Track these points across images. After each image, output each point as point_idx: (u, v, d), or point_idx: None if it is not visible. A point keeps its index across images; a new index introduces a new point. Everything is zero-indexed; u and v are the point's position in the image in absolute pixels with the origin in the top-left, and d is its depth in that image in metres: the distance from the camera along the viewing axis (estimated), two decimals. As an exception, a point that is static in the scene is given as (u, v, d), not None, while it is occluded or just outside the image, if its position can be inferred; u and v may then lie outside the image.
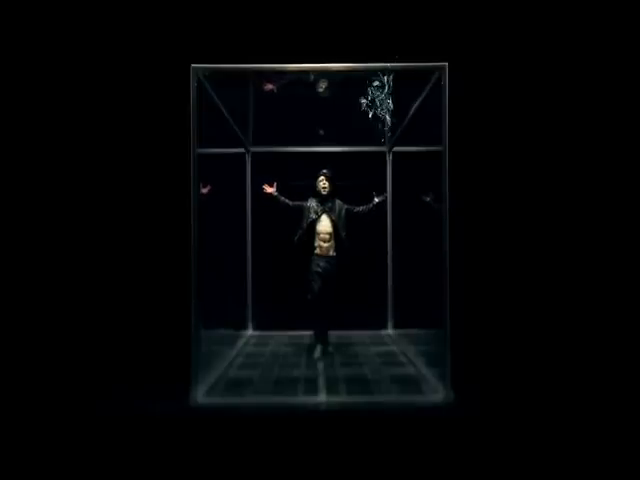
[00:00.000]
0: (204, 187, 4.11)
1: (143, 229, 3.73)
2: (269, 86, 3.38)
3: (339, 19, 3.52)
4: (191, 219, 2.95)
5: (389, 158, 5.03)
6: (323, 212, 4.09)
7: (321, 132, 4.48)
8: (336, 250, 4.08)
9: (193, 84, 2.96)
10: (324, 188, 4.09)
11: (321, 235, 4.06)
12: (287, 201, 4.17)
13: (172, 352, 3.20)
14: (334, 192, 4.14)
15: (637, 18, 3.52)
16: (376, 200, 4.19)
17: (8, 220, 3.57)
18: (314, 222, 4.07)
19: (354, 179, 4.52)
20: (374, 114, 3.72)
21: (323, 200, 4.11)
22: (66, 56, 3.60)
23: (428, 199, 3.65)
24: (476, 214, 3.80)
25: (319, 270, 4.00)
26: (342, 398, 2.93)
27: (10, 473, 2.20)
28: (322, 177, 4.10)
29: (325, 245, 4.06)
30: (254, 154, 5.07)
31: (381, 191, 4.32)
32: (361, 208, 4.18)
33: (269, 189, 4.18)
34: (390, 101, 3.69)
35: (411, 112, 3.85)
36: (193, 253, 2.94)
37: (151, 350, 3.50)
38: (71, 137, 3.68)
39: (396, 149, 4.91)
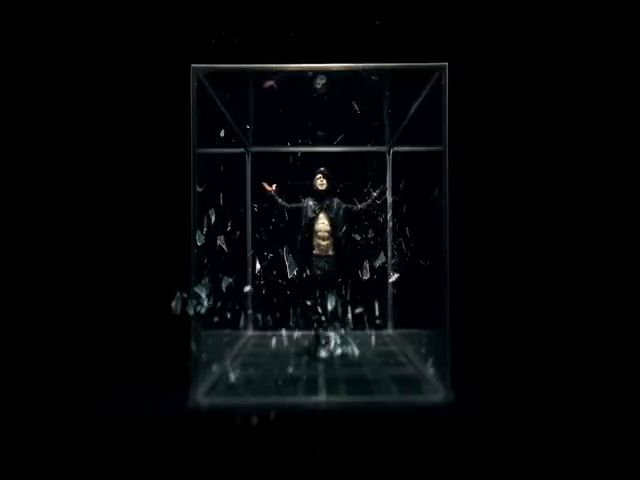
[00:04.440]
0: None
1: (143, 229, 3.73)
2: (269, 83, 3.38)
3: (339, 19, 3.52)
4: (191, 219, 2.95)
5: (389, 158, 5.03)
6: (321, 210, 4.10)
7: (320, 133, 4.49)
8: (335, 249, 4.08)
9: (193, 84, 2.96)
10: (321, 185, 4.10)
11: (319, 233, 4.07)
12: (284, 203, 4.20)
13: (172, 352, 3.20)
14: (332, 190, 4.15)
15: (637, 18, 3.52)
16: (374, 195, 4.21)
17: (8, 220, 3.57)
18: (312, 221, 4.08)
19: (353, 179, 4.52)
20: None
21: (321, 198, 4.11)
22: (66, 56, 3.60)
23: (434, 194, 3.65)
24: (476, 214, 3.80)
25: (319, 272, 4.01)
26: (342, 398, 2.93)
27: (10, 473, 2.20)
28: (320, 175, 4.12)
29: (324, 243, 4.06)
30: (254, 154, 5.07)
31: (379, 189, 4.33)
32: (360, 205, 4.19)
33: (269, 187, 4.20)
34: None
35: (411, 112, 3.85)
36: (193, 253, 2.95)
37: (151, 350, 3.50)
38: (71, 137, 3.69)
39: (396, 149, 4.92)
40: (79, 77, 3.64)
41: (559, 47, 3.64)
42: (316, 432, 2.52)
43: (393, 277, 3.36)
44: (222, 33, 3.43)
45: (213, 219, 3.38)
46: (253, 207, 4.97)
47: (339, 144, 4.83)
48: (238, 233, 4.24)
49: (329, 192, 4.13)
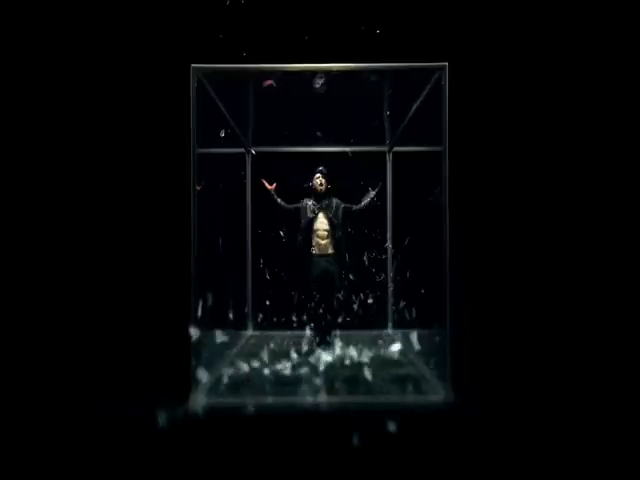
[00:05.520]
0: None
1: (142, 229, 3.72)
2: (268, 82, 3.39)
3: (339, 19, 3.52)
4: (191, 219, 2.95)
5: (389, 158, 5.03)
6: (320, 210, 4.11)
7: (319, 134, 4.50)
8: (335, 248, 4.09)
9: (193, 84, 2.97)
10: (321, 185, 4.12)
11: (318, 232, 4.09)
12: (283, 203, 4.21)
13: (172, 352, 3.20)
14: (330, 190, 4.17)
15: (637, 18, 3.52)
16: (373, 193, 4.22)
17: (6, 221, 3.57)
18: (312, 221, 4.09)
19: (353, 179, 4.53)
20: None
21: (320, 198, 4.13)
22: (66, 56, 3.60)
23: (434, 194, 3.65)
24: (477, 214, 3.80)
25: (319, 273, 4.01)
26: (342, 398, 2.93)
27: (10, 473, 2.20)
28: (319, 174, 4.14)
29: (323, 242, 4.08)
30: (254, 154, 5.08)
31: (376, 188, 4.33)
32: (359, 205, 4.21)
33: (269, 186, 4.22)
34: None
35: (411, 112, 3.85)
36: (192, 253, 2.95)
37: (151, 350, 3.50)
38: (71, 137, 3.68)
39: (396, 149, 4.92)
40: (79, 77, 3.63)
41: (559, 46, 3.64)
42: (316, 432, 2.52)
43: (395, 346, 3.38)
44: (222, 34, 3.43)
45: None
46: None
47: (339, 144, 4.84)
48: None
49: (328, 192, 4.15)
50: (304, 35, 3.46)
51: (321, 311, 4.04)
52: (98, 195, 3.73)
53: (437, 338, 3.10)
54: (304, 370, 3.51)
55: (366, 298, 4.82)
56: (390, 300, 4.96)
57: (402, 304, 4.63)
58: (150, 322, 3.61)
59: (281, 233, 4.53)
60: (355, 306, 4.69)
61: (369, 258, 4.86)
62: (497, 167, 3.81)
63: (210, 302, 3.33)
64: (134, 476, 2.21)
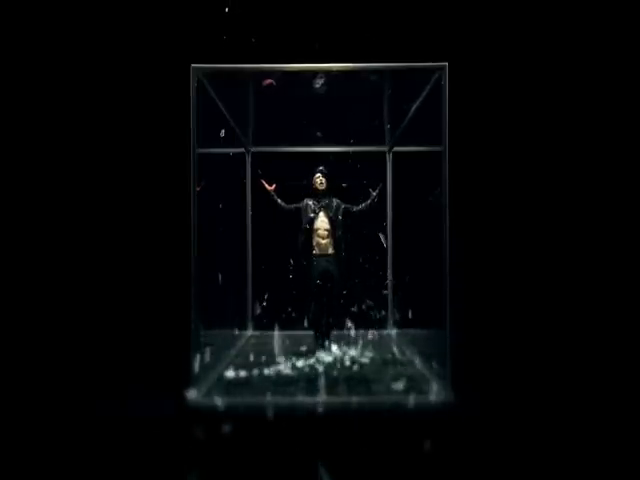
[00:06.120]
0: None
1: (142, 229, 3.72)
2: (268, 80, 3.39)
3: (339, 19, 3.52)
4: (191, 219, 2.95)
5: (389, 158, 5.03)
6: (320, 209, 4.11)
7: (319, 134, 4.50)
8: (335, 248, 4.09)
9: (193, 84, 2.97)
10: (321, 184, 4.12)
11: (319, 232, 4.08)
12: (283, 203, 4.21)
13: (172, 352, 3.21)
14: (330, 190, 4.17)
15: (636, 18, 3.52)
16: (373, 194, 4.22)
17: (6, 221, 3.57)
18: (312, 220, 4.09)
19: (353, 179, 4.53)
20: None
21: (320, 198, 4.13)
22: (66, 56, 3.60)
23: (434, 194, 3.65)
24: (477, 214, 3.80)
25: (319, 273, 4.01)
26: (342, 398, 2.93)
27: (10, 473, 2.20)
28: (319, 174, 4.14)
29: (323, 242, 4.07)
30: (254, 154, 5.07)
31: (376, 189, 4.32)
32: (360, 206, 4.20)
33: (269, 187, 4.21)
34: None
35: (411, 112, 3.85)
36: (193, 253, 2.95)
37: (150, 350, 3.50)
38: (71, 137, 3.68)
39: (396, 149, 4.92)
40: (79, 77, 3.63)
41: (559, 46, 3.64)
42: (316, 432, 2.52)
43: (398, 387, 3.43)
44: (223, 34, 3.43)
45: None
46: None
47: (339, 144, 4.84)
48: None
49: (328, 191, 4.15)
50: (304, 35, 3.46)
51: (321, 311, 4.03)
52: (98, 195, 3.73)
53: (437, 339, 3.09)
54: (304, 370, 3.51)
55: (366, 298, 4.82)
56: (390, 300, 4.97)
57: (402, 304, 4.63)
58: (150, 322, 3.61)
59: (288, 257, 4.52)
60: (355, 306, 4.68)
61: (369, 259, 4.86)
62: (497, 167, 3.81)
63: (210, 302, 3.33)
64: (134, 476, 2.21)
